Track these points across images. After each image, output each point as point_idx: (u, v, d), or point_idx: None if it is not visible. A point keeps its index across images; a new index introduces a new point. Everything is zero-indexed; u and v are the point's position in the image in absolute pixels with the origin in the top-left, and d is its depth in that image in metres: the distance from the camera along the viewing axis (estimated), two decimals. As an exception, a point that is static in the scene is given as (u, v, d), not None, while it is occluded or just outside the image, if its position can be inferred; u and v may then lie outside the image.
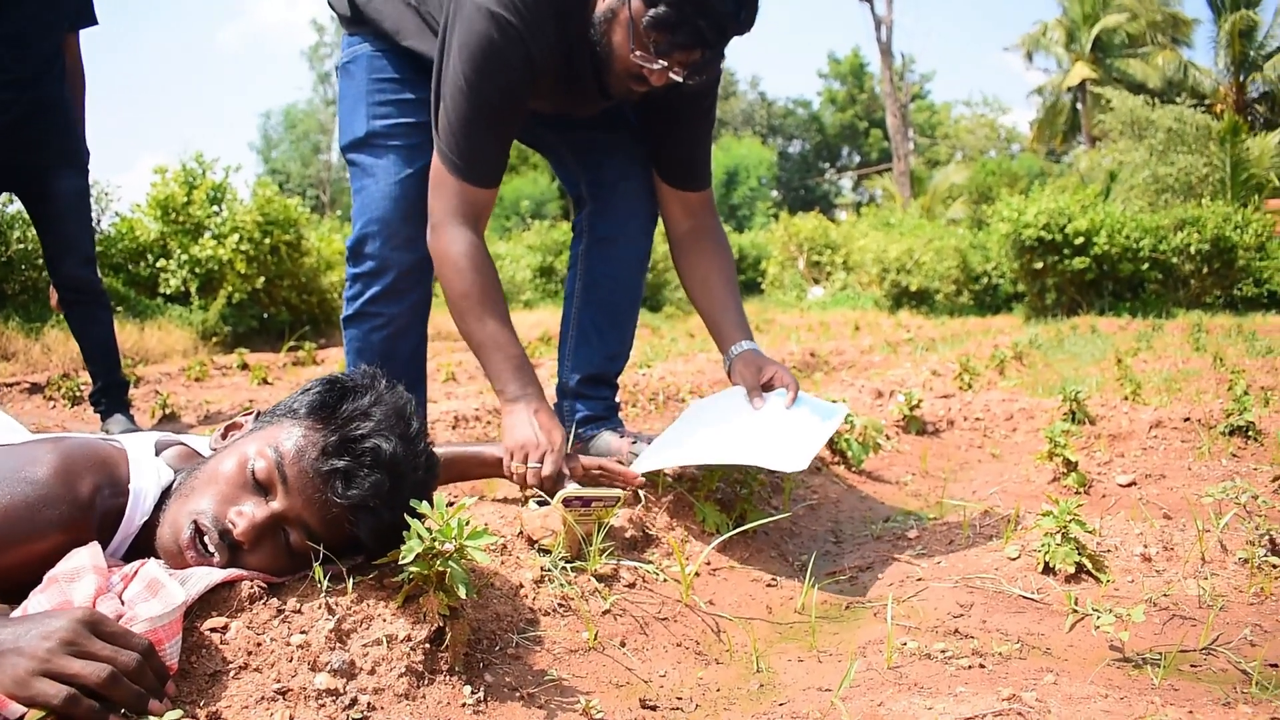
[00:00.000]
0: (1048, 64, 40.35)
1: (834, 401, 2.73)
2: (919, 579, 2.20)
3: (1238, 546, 2.18)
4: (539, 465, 2.27)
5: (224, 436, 1.77)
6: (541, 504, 2.19)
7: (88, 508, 1.51)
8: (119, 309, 9.59)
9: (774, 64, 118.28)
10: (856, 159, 61.42)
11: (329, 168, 51.70)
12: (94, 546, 1.47)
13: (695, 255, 2.85)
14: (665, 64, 2.29)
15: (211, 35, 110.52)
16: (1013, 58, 39.14)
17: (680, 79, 2.33)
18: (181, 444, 1.83)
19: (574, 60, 2.45)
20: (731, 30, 2.30)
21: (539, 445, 2.29)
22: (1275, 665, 1.76)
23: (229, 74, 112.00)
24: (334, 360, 8.83)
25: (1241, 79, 32.98)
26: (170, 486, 1.66)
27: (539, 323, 13.42)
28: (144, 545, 1.61)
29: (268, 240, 10.66)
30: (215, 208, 10.86)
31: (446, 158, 2.40)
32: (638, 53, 2.30)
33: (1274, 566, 2.11)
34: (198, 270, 10.45)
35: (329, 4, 2.86)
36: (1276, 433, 3.59)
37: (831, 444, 3.52)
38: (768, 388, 2.60)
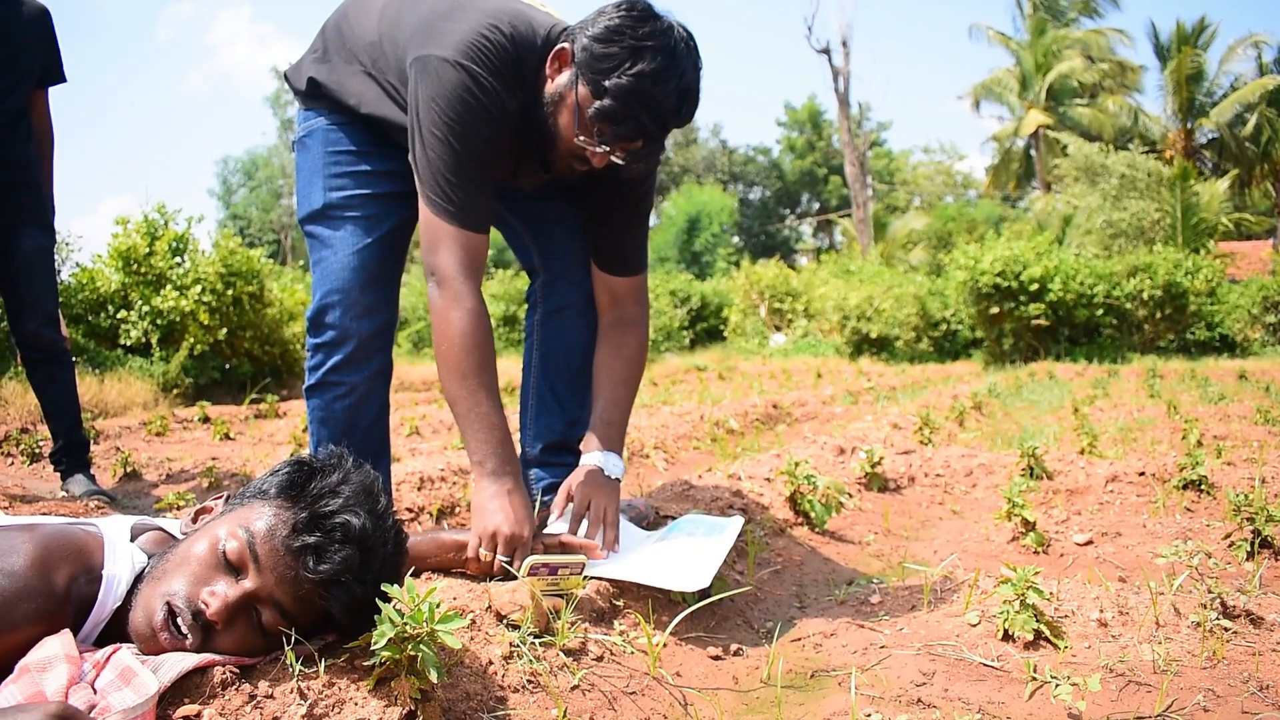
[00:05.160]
0: (1001, 112, 41.07)
1: (730, 514, 2.78)
2: (882, 646, 2.23)
3: (1191, 609, 2.23)
4: (508, 560, 2.27)
5: (194, 520, 1.78)
6: (508, 576, 2.21)
7: (64, 600, 1.52)
8: (78, 359, 9.50)
9: (735, 112, 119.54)
10: (816, 205, 62.05)
11: (290, 213, 51.53)
12: (66, 634, 1.48)
13: (604, 351, 2.87)
14: (607, 149, 2.38)
15: (182, 76, 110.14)
16: (968, 105, 39.95)
17: (621, 162, 2.41)
18: (159, 529, 1.84)
19: (524, 126, 2.53)
20: (672, 124, 2.41)
21: (510, 538, 2.29)
22: (1227, 732, 1.80)
23: (197, 116, 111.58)
24: (297, 412, 8.78)
25: (1189, 125, 33.71)
26: (143, 571, 1.67)
27: (503, 372, 13.37)
28: (117, 630, 1.62)
29: (230, 291, 10.62)
30: (177, 259, 10.81)
31: (440, 207, 2.42)
32: (581, 137, 2.39)
33: (1225, 630, 2.15)
34: (159, 321, 10.38)
35: (285, 79, 2.92)
36: (1228, 487, 3.66)
37: (795, 505, 3.56)
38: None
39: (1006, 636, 2.15)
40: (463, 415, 2.42)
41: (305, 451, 2.66)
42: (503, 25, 2.41)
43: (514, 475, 2.38)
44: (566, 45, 2.41)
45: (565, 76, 2.41)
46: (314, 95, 2.80)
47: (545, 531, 2.47)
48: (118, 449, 5.66)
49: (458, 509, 3.78)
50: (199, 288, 10.35)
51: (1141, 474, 3.98)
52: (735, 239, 52.44)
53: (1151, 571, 2.83)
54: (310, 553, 1.61)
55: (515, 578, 2.15)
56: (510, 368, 13.75)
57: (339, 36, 2.75)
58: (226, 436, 6.93)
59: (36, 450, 5.44)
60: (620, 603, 2.33)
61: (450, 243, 2.43)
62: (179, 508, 3.53)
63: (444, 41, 2.39)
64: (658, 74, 2.30)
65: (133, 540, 1.76)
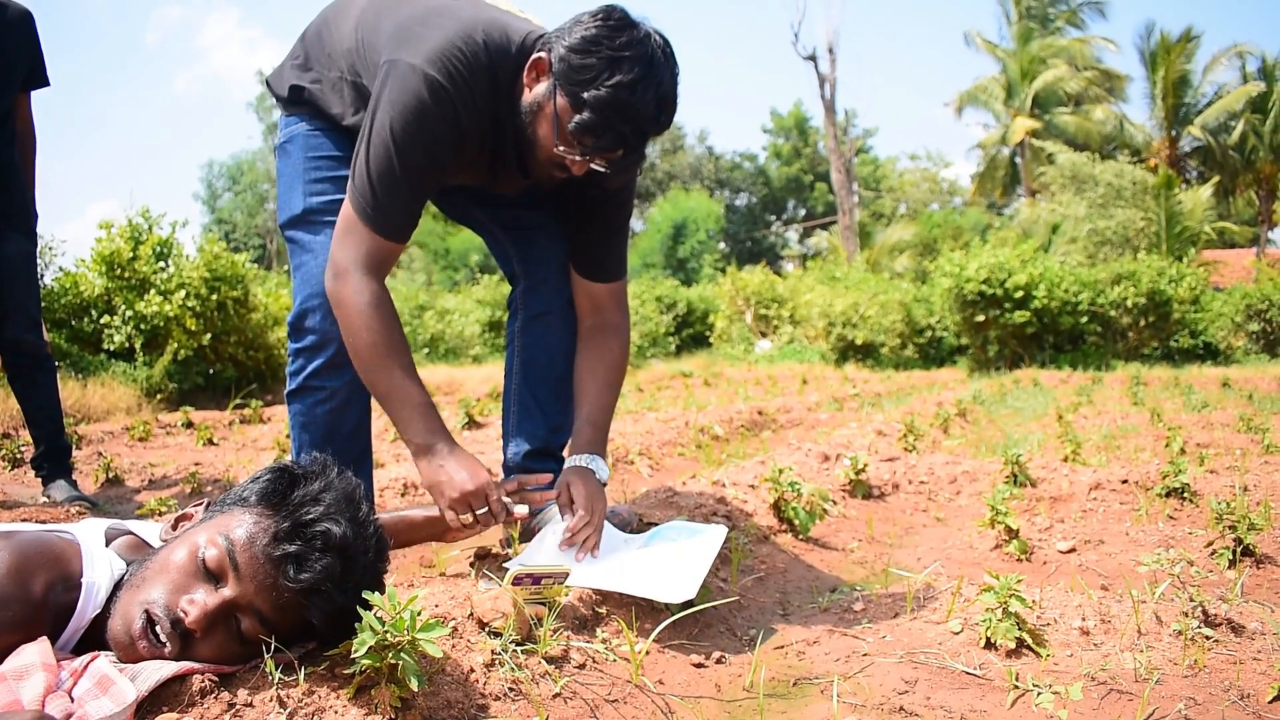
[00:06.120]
0: (986, 119, 41.27)
1: (714, 521, 2.75)
2: (865, 654, 2.23)
3: (1172, 618, 2.24)
4: (486, 510, 2.35)
5: (174, 527, 1.77)
6: (492, 583, 2.21)
7: (41, 606, 1.51)
8: (61, 365, 9.45)
9: (721, 118, 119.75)
10: (802, 212, 62.16)
11: (275, 218, 51.40)
12: (43, 642, 1.47)
13: (586, 356, 2.88)
14: (588, 158, 2.39)
15: (170, 80, 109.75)
16: (953, 112, 40.23)
17: (602, 170, 2.42)
18: (131, 534, 1.83)
19: (500, 134, 2.53)
20: (651, 133, 2.41)
21: (474, 492, 2.35)
22: (1208, 740, 1.81)
23: (184, 120, 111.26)
24: (281, 418, 8.74)
25: (1174, 134, 33.94)
26: (122, 578, 1.66)
27: (488, 377, 13.43)
28: (95, 638, 1.61)
29: (215, 296, 10.58)
30: (162, 263, 10.77)
31: (360, 206, 2.43)
32: (561, 147, 2.39)
33: (1207, 638, 2.16)
34: (143, 326, 10.33)
35: (267, 86, 2.93)
36: (1210, 495, 3.68)
37: (779, 512, 3.56)
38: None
39: (989, 644, 2.16)
40: (384, 397, 2.47)
41: (288, 457, 2.65)
42: (477, 35, 2.41)
43: (445, 438, 2.44)
44: (544, 55, 2.40)
45: (543, 87, 2.40)
46: (295, 101, 2.80)
47: (546, 540, 2.49)
48: (100, 454, 5.63)
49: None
50: (183, 292, 10.31)
51: (1125, 482, 4.00)
52: (721, 245, 52.46)
53: (1134, 579, 2.84)
54: (290, 561, 1.60)
55: (501, 526, 2.15)
56: (495, 373, 13.75)
57: (319, 43, 2.75)
58: (210, 442, 6.90)
59: (18, 456, 5.40)
60: (603, 610, 2.32)
61: (358, 241, 2.44)
62: (161, 514, 3.51)
63: (418, 48, 2.39)
64: (635, 84, 2.29)
65: (107, 545, 1.75)
